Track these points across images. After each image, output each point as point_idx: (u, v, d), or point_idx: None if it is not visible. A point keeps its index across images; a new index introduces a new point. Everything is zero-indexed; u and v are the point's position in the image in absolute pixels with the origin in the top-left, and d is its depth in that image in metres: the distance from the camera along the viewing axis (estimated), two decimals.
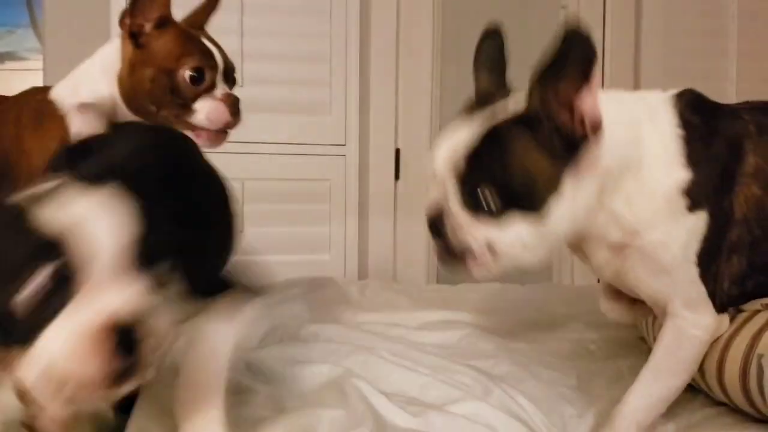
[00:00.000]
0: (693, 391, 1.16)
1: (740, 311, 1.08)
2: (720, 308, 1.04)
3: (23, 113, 1.17)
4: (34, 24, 2.65)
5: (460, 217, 0.94)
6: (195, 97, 1.17)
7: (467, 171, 0.93)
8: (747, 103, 1.12)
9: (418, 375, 1.21)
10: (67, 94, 1.18)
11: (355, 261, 2.84)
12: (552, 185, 0.91)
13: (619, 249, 1.02)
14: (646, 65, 2.90)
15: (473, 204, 0.93)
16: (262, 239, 2.44)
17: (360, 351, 1.31)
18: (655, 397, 1.05)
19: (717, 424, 1.08)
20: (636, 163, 0.98)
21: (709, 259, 1.01)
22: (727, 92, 3.06)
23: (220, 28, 2.60)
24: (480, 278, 0.98)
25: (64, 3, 2.63)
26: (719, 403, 1.13)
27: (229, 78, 1.23)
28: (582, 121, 0.89)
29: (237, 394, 1.06)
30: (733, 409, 1.10)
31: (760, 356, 1.00)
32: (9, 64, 2.67)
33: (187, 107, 1.17)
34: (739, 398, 1.06)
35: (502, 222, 0.93)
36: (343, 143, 2.79)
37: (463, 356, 1.33)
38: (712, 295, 1.02)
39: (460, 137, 0.94)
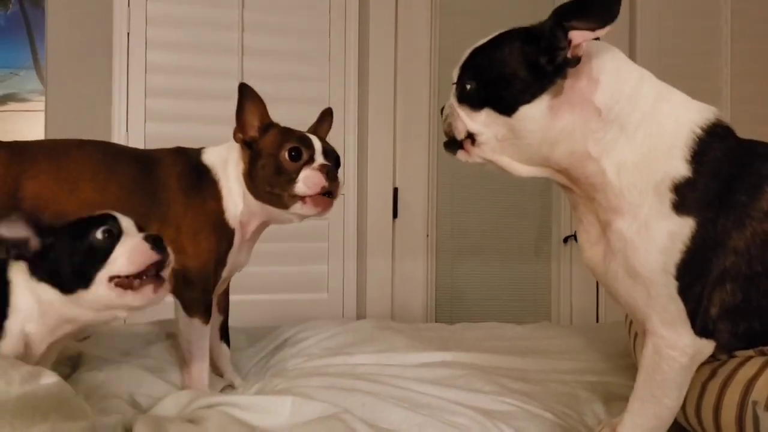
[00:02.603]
0: None
1: (733, 356, 1.06)
2: (702, 332, 1.01)
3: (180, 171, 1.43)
4: (37, 66, 2.68)
5: (453, 107, 1.07)
6: (297, 171, 1.37)
7: (464, 66, 1.07)
8: None
9: (416, 414, 1.19)
10: (218, 165, 1.45)
11: (353, 300, 2.83)
12: (526, 95, 1.00)
13: (605, 225, 1.03)
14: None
15: (461, 96, 1.06)
16: (261, 278, 2.45)
17: (357, 391, 1.30)
18: (644, 427, 1.03)
19: None
20: (632, 129, 1.00)
21: (691, 276, 0.98)
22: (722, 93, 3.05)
23: (220, 70, 2.67)
24: (466, 163, 1.09)
25: (67, 45, 2.68)
26: None
27: (330, 157, 1.42)
28: (569, 48, 0.97)
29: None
30: None
31: (755, 403, 0.99)
32: (11, 105, 2.69)
33: (291, 181, 1.37)
34: None
35: (479, 116, 1.04)
36: (342, 182, 2.80)
37: (461, 396, 1.31)
38: (693, 315, 1.00)
39: (479, 42, 1.07)
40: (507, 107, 1.01)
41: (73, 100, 2.68)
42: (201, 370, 1.40)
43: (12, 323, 1.04)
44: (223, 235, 1.41)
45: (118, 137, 2.62)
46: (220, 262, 1.42)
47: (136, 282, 1.04)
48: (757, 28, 3.06)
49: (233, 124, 1.41)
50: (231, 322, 1.83)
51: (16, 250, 1.04)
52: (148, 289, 1.04)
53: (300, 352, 1.62)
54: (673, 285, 0.99)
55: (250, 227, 1.46)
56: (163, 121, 2.65)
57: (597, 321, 2.90)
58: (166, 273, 1.08)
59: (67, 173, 1.38)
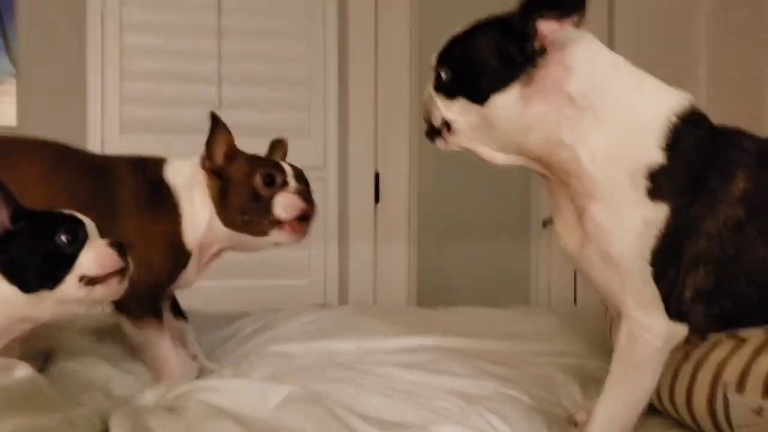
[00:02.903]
0: (665, 416, 1.16)
1: (705, 339, 1.08)
2: (676, 315, 1.02)
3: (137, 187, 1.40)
4: (8, 48, 2.63)
5: (431, 96, 1.09)
6: (272, 196, 1.37)
7: (441, 54, 1.08)
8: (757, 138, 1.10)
9: (395, 400, 1.20)
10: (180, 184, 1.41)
11: (335, 285, 2.84)
12: (497, 84, 1.01)
13: (581, 212, 1.04)
14: None
15: (437, 85, 1.08)
16: (240, 263, 2.43)
17: (337, 377, 1.31)
18: (618, 407, 1.05)
19: None
20: (605, 116, 1.00)
21: (665, 261, 1.00)
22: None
23: (198, 52, 2.66)
24: (444, 150, 1.11)
25: (38, 28, 2.63)
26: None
27: (301, 181, 1.42)
28: (537, 39, 0.98)
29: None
30: None
31: (725, 386, 1.01)
32: None
33: (267, 208, 1.36)
34: (708, 425, 1.06)
35: (454, 105, 1.06)
36: (323, 167, 2.79)
37: (440, 380, 1.32)
38: (667, 299, 1.01)
39: (456, 30, 1.08)
40: (479, 96, 1.02)
41: (46, 83, 2.63)
42: (172, 368, 1.36)
43: None
44: (178, 257, 1.38)
45: (93, 121, 2.59)
46: (171, 280, 1.39)
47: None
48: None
49: (211, 106, 1.40)
50: (210, 307, 1.82)
51: None
52: (113, 282, 1.05)
53: (279, 337, 1.62)
54: (647, 270, 0.99)
55: (210, 251, 1.43)
56: (140, 105, 2.62)
57: (575, 303, 2.93)
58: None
59: (15, 174, 1.22)
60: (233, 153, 1.41)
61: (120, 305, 1.34)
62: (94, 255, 1.02)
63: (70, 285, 1.01)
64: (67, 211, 1.07)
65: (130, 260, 1.07)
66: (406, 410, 1.16)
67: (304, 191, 1.40)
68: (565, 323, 1.78)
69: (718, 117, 1.07)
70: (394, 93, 2.90)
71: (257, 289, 2.64)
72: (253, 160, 1.42)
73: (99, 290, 1.03)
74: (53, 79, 2.62)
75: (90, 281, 1.03)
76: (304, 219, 1.38)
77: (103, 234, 1.10)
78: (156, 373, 1.38)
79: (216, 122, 1.40)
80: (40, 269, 1.01)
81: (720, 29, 2.94)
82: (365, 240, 2.89)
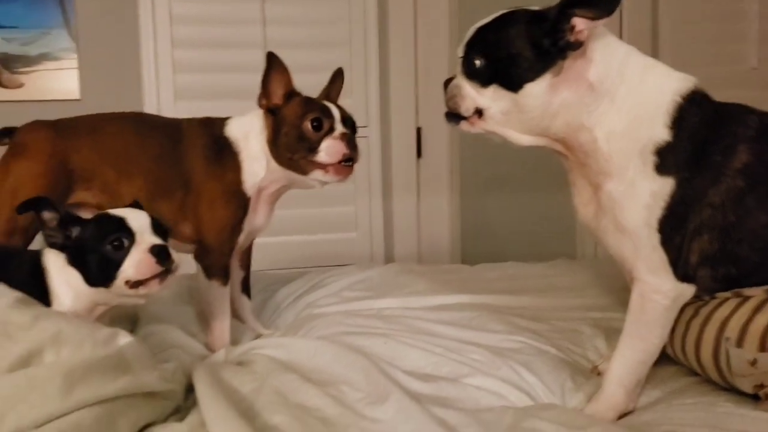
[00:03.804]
0: (678, 364, 1.28)
1: (714, 298, 1.18)
2: (682, 277, 1.13)
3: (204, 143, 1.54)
4: (68, 25, 2.77)
5: (459, 81, 1.16)
6: (318, 141, 1.46)
7: (471, 42, 1.15)
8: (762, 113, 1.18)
9: (431, 354, 1.34)
10: (240, 137, 1.54)
11: (381, 238, 2.93)
12: (530, 73, 1.10)
13: (596, 188, 1.15)
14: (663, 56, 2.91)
15: (469, 72, 1.15)
16: (291, 220, 2.59)
17: (379, 333, 1.45)
18: (632, 360, 1.17)
19: (698, 390, 1.20)
20: (620, 100, 1.10)
21: (671, 229, 1.10)
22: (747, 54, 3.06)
23: (242, 19, 2.75)
24: (468, 133, 1.19)
25: (95, 3, 2.76)
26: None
27: (348, 125, 1.51)
28: (572, 33, 1.07)
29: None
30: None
31: (727, 340, 1.12)
32: (46, 64, 2.79)
33: (313, 150, 1.46)
34: (713, 373, 1.18)
35: (487, 92, 1.13)
36: (366, 125, 2.85)
37: (474, 335, 1.45)
38: (674, 263, 1.12)
39: (486, 19, 1.15)
40: (513, 84, 1.11)
41: (104, 56, 2.77)
42: (222, 329, 1.53)
43: (53, 308, 1.18)
44: (239, 203, 1.52)
45: (149, 90, 2.72)
46: (236, 229, 1.53)
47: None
48: None
49: (258, 72, 1.49)
50: (265, 264, 1.97)
51: (50, 238, 1.17)
52: (154, 283, 1.18)
53: (329, 297, 1.76)
54: (655, 237, 1.11)
55: (268, 190, 1.55)
56: (191, 72, 2.74)
57: None
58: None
59: (104, 146, 1.52)
60: (290, 93, 1.50)
61: (196, 255, 1.53)
62: (135, 263, 1.15)
63: (119, 285, 1.16)
64: (119, 216, 1.19)
65: (174, 259, 1.19)
66: (442, 363, 1.30)
67: (349, 136, 1.48)
68: (596, 276, 1.88)
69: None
70: (433, 48, 2.92)
71: (309, 244, 2.77)
72: (307, 103, 1.50)
73: (143, 290, 1.17)
74: (111, 53, 2.76)
75: (134, 284, 1.17)
76: (348, 161, 1.48)
77: (166, 222, 1.26)
78: (207, 328, 1.55)
79: (272, 61, 1.48)
80: (96, 272, 1.17)
81: None
82: (409, 195, 2.97)
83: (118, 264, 1.15)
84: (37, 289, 1.17)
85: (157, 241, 1.18)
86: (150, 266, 1.16)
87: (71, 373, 0.94)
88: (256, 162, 1.51)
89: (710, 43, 2.92)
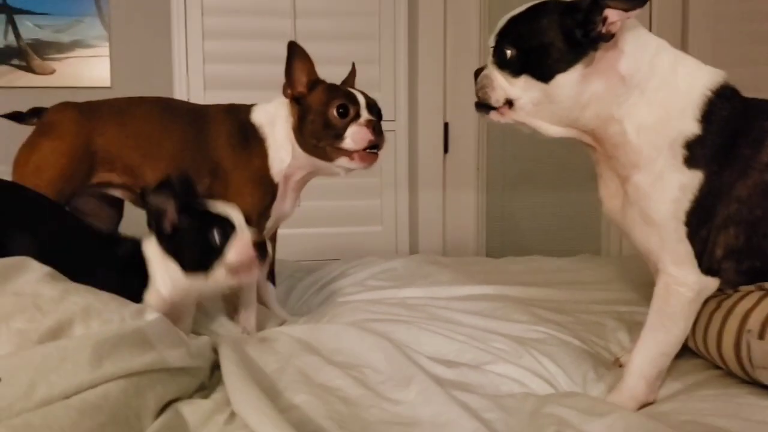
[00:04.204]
0: (700, 357, 1.27)
1: (737, 291, 1.17)
2: (707, 271, 1.13)
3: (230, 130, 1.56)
4: (100, 13, 2.82)
5: (489, 71, 1.17)
6: (344, 127, 1.48)
7: (503, 32, 1.16)
8: None
9: (454, 342, 1.34)
10: (266, 123, 1.56)
11: (406, 232, 2.94)
12: (562, 64, 1.10)
13: (624, 180, 1.14)
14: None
15: (500, 63, 1.15)
16: (318, 212, 2.60)
17: (402, 321, 1.46)
18: (654, 352, 1.16)
19: (719, 383, 1.19)
20: (651, 93, 1.09)
21: (698, 222, 1.10)
22: None
23: (273, 10, 2.77)
24: (498, 124, 1.19)
25: None
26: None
27: (373, 111, 1.52)
28: (604, 25, 1.06)
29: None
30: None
31: (749, 332, 1.11)
32: (78, 51, 2.85)
33: (339, 136, 1.48)
34: (734, 365, 1.16)
35: (518, 82, 1.13)
36: (393, 119, 2.87)
37: (498, 325, 1.45)
38: (699, 257, 1.12)
39: (518, 9, 1.15)
40: (545, 74, 1.11)
41: (136, 45, 2.82)
42: (249, 315, 1.55)
43: (150, 294, 1.24)
44: (266, 189, 1.53)
45: (179, 79, 2.75)
46: (264, 215, 1.55)
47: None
48: None
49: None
50: (291, 255, 1.99)
51: (155, 221, 1.23)
52: (254, 270, 1.26)
53: (355, 285, 1.78)
54: (682, 230, 1.10)
55: (294, 178, 1.57)
56: (221, 63, 2.77)
57: None
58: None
59: (129, 129, 1.55)
60: (314, 81, 1.52)
61: None
62: (238, 251, 1.23)
63: (219, 272, 1.23)
64: (221, 208, 1.27)
65: (269, 250, 1.27)
66: (464, 350, 1.31)
67: (374, 123, 1.49)
68: (621, 271, 1.87)
69: None
70: (462, 43, 2.94)
71: (334, 236, 2.79)
72: (332, 90, 1.52)
73: (241, 276, 1.26)
74: (142, 42, 2.81)
75: (234, 270, 1.23)
76: (373, 148, 1.49)
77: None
78: (236, 314, 1.56)
79: (293, 50, 1.50)
80: (197, 259, 1.23)
81: None
82: (435, 189, 2.98)
83: (220, 252, 1.22)
84: (137, 277, 1.24)
85: (253, 234, 1.26)
86: (251, 254, 1.24)
87: (100, 346, 0.96)
88: (282, 149, 1.53)
89: (740, 44, 2.88)
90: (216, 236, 1.22)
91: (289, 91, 1.52)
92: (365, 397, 1.09)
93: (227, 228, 1.23)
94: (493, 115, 1.19)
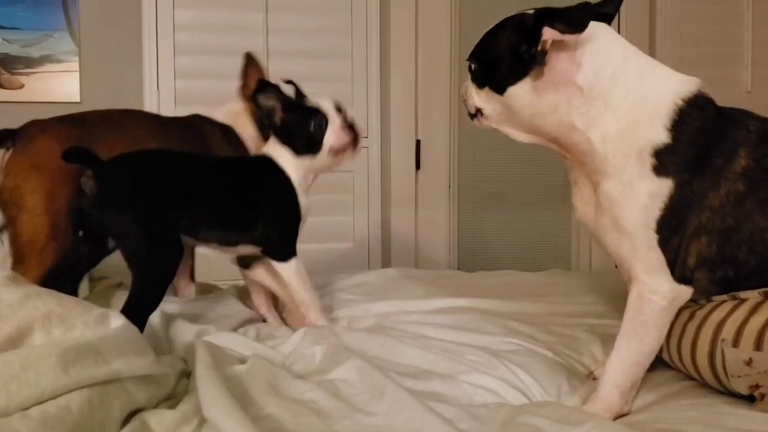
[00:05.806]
0: (674, 369, 1.27)
1: (710, 301, 1.18)
2: (680, 279, 1.13)
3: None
4: (70, 28, 2.79)
5: (467, 83, 1.25)
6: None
7: (474, 48, 1.22)
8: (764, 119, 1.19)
9: (428, 353, 1.32)
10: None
11: (378, 248, 2.95)
12: (512, 77, 1.14)
13: (595, 186, 1.16)
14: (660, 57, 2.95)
15: (471, 76, 1.24)
16: None
17: (377, 334, 1.44)
18: (628, 362, 1.15)
19: (693, 393, 1.19)
20: (615, 103, 1.11)
21: (669, 230, 1.10)
22: (741, 77, 3.12)
23: (246, 27, 2.76)
24: (480, 128, 1.26)
25: (98, 7, 2.78)
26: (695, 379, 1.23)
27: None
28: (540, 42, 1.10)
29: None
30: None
31: (723, 341, 1.11)
32: (48, 66, 2.81)
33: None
34: (708, 376, 1.17)
35: (482, 93, 1.21)
36: (366, 136, 2.88)
37: (471, 337, 1.44)
38: (672, 264, 1.12)
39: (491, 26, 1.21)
40: (499, 87, 1.17)
41: (106, 60, 2.80)
42: (317, 307, 1.55)
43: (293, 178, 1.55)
44: None
45: (150, 95, 2.73)
46: None
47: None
48: None
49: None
50: None
51: (267, 117, 1.53)
52: (350, 150, 1.57)
53: (325, 297, 1.75)
54: (653, 238, 1.10)
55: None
56: (192, 78, 2.75)
57: (616, 267, 2.99)
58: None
59: (127, 139, 1.55)
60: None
61: (263, 250, 1.58)
62: (335, 135, 1.54)
63: (323, 154, 1.54)
64: (316, 105, 1.54)
65: (357, 132, 1.57)
66: (438, 362, 1.29)
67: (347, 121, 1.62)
68: (593, 285, 1.88)
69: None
70: (434, 61, 2.97)
71: (305, 253, 2.76)
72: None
73: (341, 156, 1.56)
74: (112, 57, 2.78)
75: (335, 151, 1.54)
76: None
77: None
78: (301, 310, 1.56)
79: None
80: (304, 144, 1.54)
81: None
82: (407, 206, 3.00)
83: (320, 138, 1.53)
84: (278, 175, 1.53)
85: (343, 117, 1.55)
86: (345, 136, 1.55)
87: (66, 354, 0.92)
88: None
89: (705, 66, 2.96)
90: (314, 125, 1.52)
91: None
92: (338, 409, 1.06)
93: (322, 117, 1.53)
94: (475, 122, 1.26)
